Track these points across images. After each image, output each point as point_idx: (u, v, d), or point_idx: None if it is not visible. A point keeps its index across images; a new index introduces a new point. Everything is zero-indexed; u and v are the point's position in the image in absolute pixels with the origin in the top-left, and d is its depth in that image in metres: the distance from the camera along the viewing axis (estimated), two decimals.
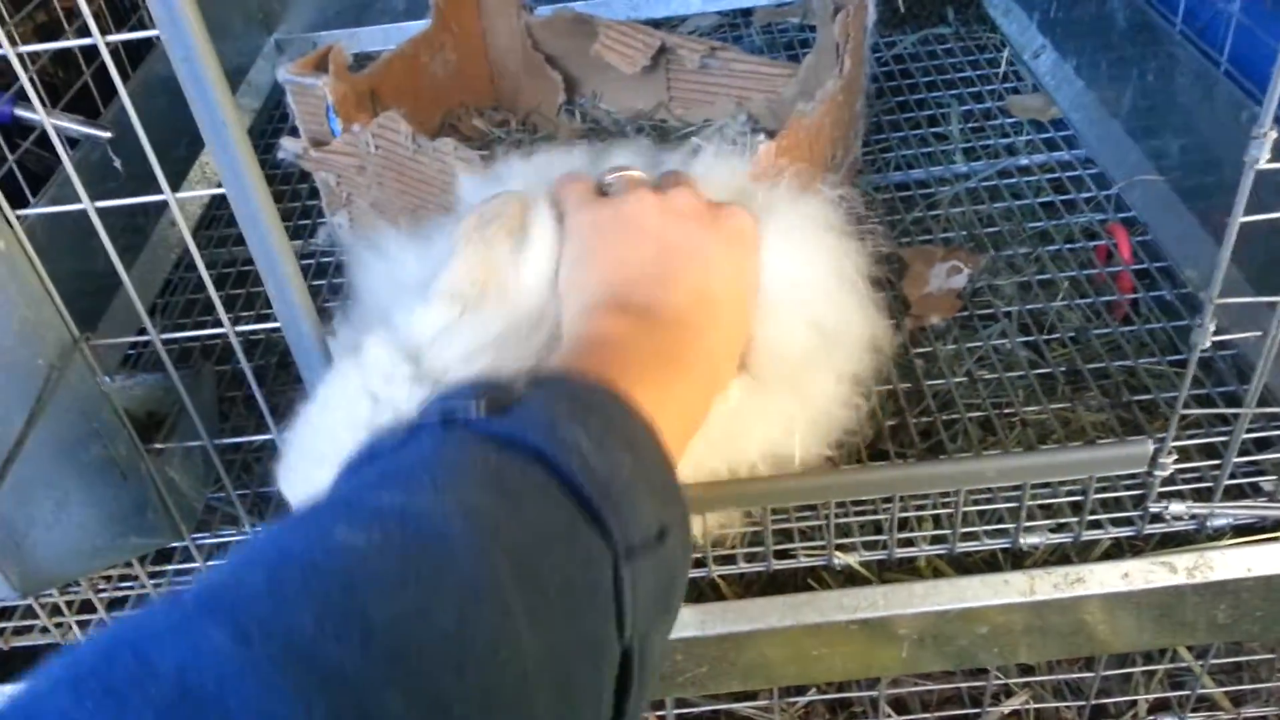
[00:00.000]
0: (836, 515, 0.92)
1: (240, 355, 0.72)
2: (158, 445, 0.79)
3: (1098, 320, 1.13)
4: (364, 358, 0.65)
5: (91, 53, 1.35)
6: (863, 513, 0.95)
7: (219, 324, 0.72)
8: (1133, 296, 1.14)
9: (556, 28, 1.51)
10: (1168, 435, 0.83)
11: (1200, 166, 1.17)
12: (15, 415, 0.67)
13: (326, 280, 1.29)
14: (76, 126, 1.19)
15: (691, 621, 0.89)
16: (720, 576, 0.92)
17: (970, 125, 1.47)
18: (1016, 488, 0.90)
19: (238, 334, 0.72)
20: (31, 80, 1.20)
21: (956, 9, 1.73)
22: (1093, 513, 0.89)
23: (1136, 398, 1.02)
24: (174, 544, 0.84)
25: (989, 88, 1.54)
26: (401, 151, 1.17)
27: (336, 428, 0.64)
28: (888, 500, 0.92)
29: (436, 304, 0.67)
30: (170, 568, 0.91)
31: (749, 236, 0.75)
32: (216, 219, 1.44)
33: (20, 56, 0.67)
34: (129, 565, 0.86)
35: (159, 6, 0.59)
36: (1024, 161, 1.38)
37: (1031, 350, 1.10)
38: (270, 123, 1.66)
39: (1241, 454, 0.88)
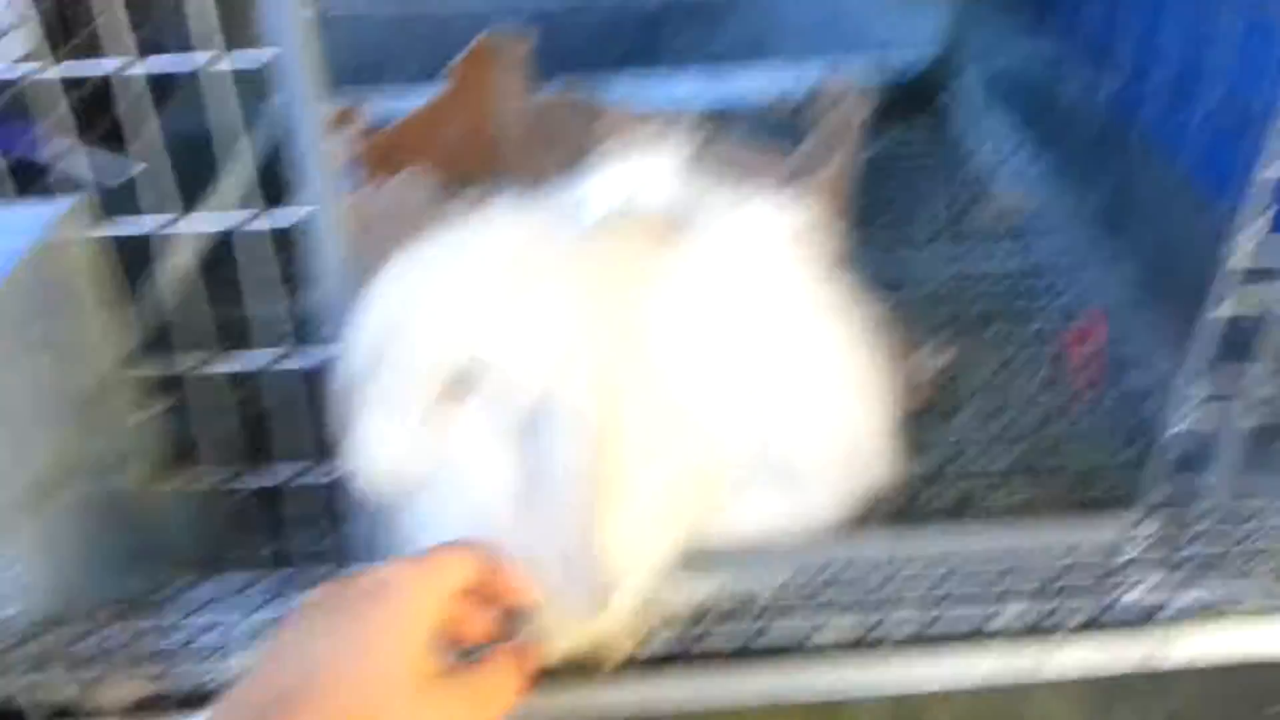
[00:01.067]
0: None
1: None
2: (173, 478, 0.81)
3: (1061, 411, 1.19)
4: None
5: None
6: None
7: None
8: (1095, 387, 1.21)
9: (561, 108, 1.59)
10: (1135, 518, 0.89)
11: (1168, 264, 1.24)
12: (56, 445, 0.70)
13: None
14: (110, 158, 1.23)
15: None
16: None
17: (940, 221, 1.55)
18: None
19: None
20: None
21: (929, 111, 1.83)
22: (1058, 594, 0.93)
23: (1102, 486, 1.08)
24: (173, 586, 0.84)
25: (959, 187, 1.63)
26: (419, 210, 1.22)
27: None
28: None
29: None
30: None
31: None
32: (223, 261, 1.46)
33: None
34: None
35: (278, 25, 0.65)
36: (994, 256, 1.46)
37: (999, 439, 1.16)
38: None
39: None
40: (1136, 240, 1.31)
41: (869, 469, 0.92)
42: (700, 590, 0.91)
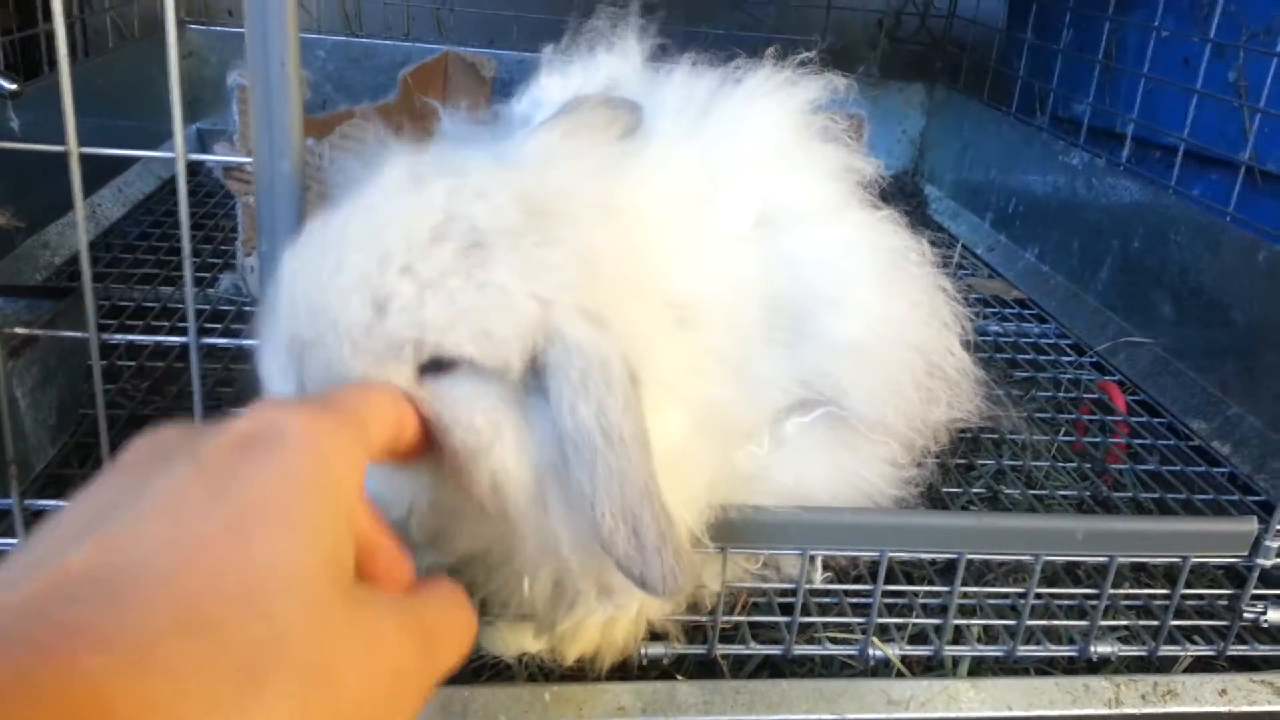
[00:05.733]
0: (859, 597, 0.74)
1: None
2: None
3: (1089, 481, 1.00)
4: (461, 166, 0.52)
5: None
6: (897, 601, 0.77)
7: None
8: (1140, 442, 1.05)
9: None
10: (1272, 521, 0.71)
11: (1201, 321, 1.12)
12: None
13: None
14: None
15: (693, 703, 0.66)
16: (720, 656, 0.71)
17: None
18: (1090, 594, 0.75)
19: None
20: None
21: (907, 210, 1.74)
22: (1180, 616, 0.74)
23: None
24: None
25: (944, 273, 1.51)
26: None
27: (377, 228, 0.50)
28: (933, 595, 0.76)
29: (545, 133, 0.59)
30: None
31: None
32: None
33: None
34: None
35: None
36: (994, 327, 1.33)
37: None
38: (162, 202, 1.46)
39: None
40: (1161, 305, 1.19)
41: (930, 415, 0.73)
42: (734, 569, 0.67)
